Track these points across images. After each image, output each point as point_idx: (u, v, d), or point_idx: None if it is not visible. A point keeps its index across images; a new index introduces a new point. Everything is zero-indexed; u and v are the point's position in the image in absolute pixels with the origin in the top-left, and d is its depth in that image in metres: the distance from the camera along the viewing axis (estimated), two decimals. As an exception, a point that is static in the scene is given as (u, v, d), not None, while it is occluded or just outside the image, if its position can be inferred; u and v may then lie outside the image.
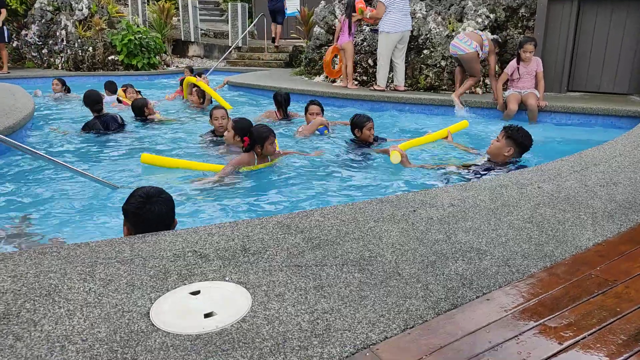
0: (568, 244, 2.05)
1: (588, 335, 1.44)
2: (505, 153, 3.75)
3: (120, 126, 5.71)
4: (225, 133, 4.53)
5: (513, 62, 6.29)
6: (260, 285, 1.67)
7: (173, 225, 2.34)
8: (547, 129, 5.81)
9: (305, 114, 5.60)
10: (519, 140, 3.74)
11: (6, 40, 11.54)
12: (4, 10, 11.21)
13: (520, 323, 1.50)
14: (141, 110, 6.27)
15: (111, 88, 8.10)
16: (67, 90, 8.56)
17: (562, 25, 6.99)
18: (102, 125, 5.56)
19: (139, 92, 8.04)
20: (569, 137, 5.57)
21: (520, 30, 8.16)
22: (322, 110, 5.53)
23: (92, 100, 5.66)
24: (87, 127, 5.57)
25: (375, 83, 7.93)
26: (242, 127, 4.29)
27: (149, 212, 2.19)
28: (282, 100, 6.22)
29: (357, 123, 4.80)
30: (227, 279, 1.71)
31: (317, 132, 5.30)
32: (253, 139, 3.95)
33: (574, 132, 5.81)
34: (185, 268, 1.78)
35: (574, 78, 7.26)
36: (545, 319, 1.52)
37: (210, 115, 5.14)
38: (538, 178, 2.95)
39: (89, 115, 5.76)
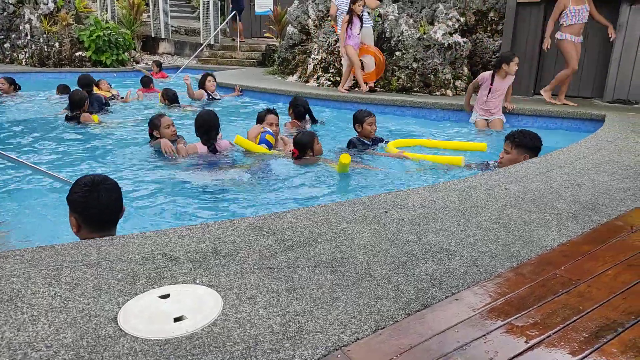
0: (534, 244, 2.11)
1: (553, 334, 1.48)
2: (522, 162, 3.53)
3: (104, 105, 6.93)
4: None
5: (487, 74, 5.98)
6: (232, 288, 1.66)
7: (121, 212, 2.29)
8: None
9: (262, 123, 4.75)
10: (530, 144, 3.60)
11: None
12: None
13: (488, 322, 1.54)
14: (80, 104, 5.80)
15: (64, 92, 7.96)
16: (17, 88, 8.32)
17: (529, 29, 7.19)
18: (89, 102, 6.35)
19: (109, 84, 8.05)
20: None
21: (490, 34, 8.35)
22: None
23: (85, 83, 6.85)
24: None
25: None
26: (197, 121, 4.33)
27: (96, 200, 2.14)
28: (303, 110, 5.53)
29: (358, 117, 4.68)
30: (197, 282, 1.69)
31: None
32: (302, 147, 4.16)
33: (540, 134, 5.96)
34: (155, 271, 1.75)
35: (540, 81, 7.46)
36: (512, 318, 1.56)
37: (158, 125, 4.51)
38: (505, 180, 3.03)
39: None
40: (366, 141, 4.70)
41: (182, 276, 1.73)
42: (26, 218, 3.17)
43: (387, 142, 4.87)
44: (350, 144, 4.68)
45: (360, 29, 7.42)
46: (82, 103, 5.81)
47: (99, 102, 6.86)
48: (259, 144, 4.36)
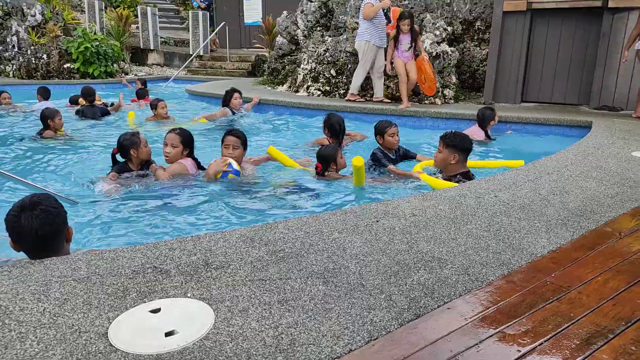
0: (524, 252, 2.13)
1: (544, 342, 1.49)
2: (452, 161, 3.71)
3: (106, 113, 7.59)
4: (168, 149, 3.94)
5: (482, 134, 5.75)
6: (224, 300, 1.65)
7: (67, 236, 2.16)
8: (502, 139, 6.02)
9: (222, 144, 4.17)
10: (460, 145, 3.70)
11: None
12: None
13: (480, 331, 1.54)
14: (43, 121, 5.91)
15: (44, 95, 8.19)
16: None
17: (515, 37, 7.29)
18: (91, 113, 7.40)
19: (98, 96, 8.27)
20: (523, 147, 5.78)
21: (477, 43, 8.46)
22: (244, 143, 4.15)
23: (87, 93, 7.80)
24: (79, 112, 7.43)
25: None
26: (188, 136, 4.02)
27: (19, 225, 2.01)
28: (338, 128, 5.06)
29: (379, 128, 4.48)
30: (189, 295, 1.68)
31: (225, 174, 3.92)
32: (324, 160, 4.05)
33: (528, 141, 6.03)
34: (145, 285, 1.73)
35: (527, 89, 7.56)
36: (504, 326, 1.57)
37: (137, 143, 3.90)
38: (495, 187, 3.05)
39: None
40: (390, 155, 4.48)
41: (173, 290, 1.71)
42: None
43: (417, 159, 4.59)
44: (374, 158, 4.46)
45: (410, 46, 7.17)
46: (45, 120, 5.93)
47: (102, 112, 7.56)
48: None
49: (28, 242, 2.03)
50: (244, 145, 4.12)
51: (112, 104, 8.14)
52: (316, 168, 4.13)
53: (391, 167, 4.37)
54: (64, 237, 2.14)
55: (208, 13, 15.77)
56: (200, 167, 4.12)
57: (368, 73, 7.67)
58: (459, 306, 1.68)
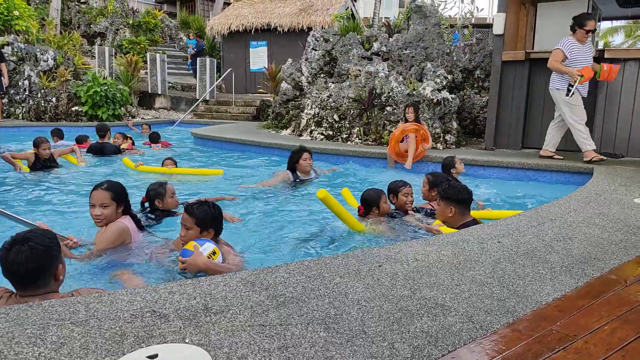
0: (528, 299, 2.09)
1: (551, 393, 1.44)
2: (450, 214, 3.59)
3: (117, 151, 8.06)
4: (98, 211, 3.23)
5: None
6: (222, 347, 1.62)
7: (56, 274, 2.15)
8: (504, 185, 6.04)
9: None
10: (453, 197, 3.58)
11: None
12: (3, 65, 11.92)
13: (486, 382, 1.50)
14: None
15: (59, 135, 8.87)
16: None
17: (515, 86, 7.43)
18: (101, 148, 7.93)
19: (129, 138, 8.87)
20: (526, 193, 5.79)
21: (477, 90, 8.64)
22: (202, 223, 3.06)
23: (99, 129, 8.36)
24: (91, 148, 7.98)
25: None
26: (119, 190, 3.36)
27: (6, 258, 2.07)
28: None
29: (392, 188, 4.29)
30: (187, 340, 1.65)
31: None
32: (367, 203, 4.03)
33: (530, 187, 6.05)
34: (143, 329, 1.70)
35: (528, 135, 7.64)
36: (510, 377, 1.53)
37: (163, 194, 3.92)
38: (498, 233, 3.03)
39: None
40: (401, 212, 4.22)
41: (171, 335, 1.68)
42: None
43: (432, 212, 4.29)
44: (392, 216, 4.26)
45: None
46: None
47: (114, 149, 8.10)
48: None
49: (11, 275, 2.10)
50: (202, 225, 3.03)
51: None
52: (358, 210, 4.08)
53: (409, 217, 4.13)
54: (51, 275, 2.15)
55: (215, 60, 16.26)
56: (140, 226, 3.47)
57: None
58: (463, 355, 1.64)
